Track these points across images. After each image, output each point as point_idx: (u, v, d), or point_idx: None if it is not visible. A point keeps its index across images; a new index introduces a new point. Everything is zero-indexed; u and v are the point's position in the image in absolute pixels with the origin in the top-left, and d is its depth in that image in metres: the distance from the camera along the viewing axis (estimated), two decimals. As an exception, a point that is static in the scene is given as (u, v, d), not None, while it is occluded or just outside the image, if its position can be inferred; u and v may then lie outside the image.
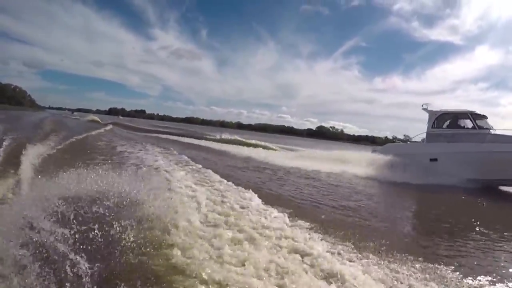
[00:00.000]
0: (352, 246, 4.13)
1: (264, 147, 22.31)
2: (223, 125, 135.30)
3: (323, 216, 5.65)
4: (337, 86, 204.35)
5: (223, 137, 25.98)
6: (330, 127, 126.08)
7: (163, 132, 30.71)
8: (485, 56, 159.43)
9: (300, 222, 4.93)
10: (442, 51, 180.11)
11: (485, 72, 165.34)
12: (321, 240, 4.19)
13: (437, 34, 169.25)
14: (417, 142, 15.06)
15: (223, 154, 16.01)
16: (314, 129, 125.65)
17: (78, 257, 2.67)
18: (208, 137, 27.30)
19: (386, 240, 4.47)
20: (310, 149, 18.29)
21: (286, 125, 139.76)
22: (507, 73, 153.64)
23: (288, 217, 5.04)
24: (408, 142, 15.99)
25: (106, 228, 3.25)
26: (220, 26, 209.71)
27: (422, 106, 14.44)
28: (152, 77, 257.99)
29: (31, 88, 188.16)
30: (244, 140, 24.39)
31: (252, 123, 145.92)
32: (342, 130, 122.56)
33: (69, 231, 2.91)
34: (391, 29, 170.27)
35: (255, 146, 22.14)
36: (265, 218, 4.76)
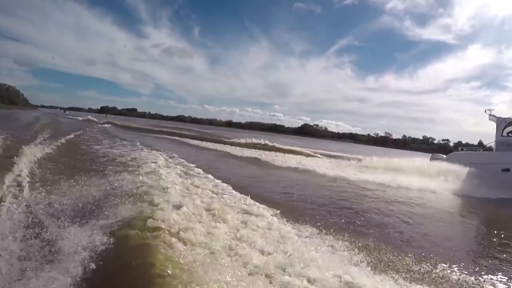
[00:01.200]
0: None
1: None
2: (211, 123, 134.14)
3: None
4: (330, 84, 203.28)
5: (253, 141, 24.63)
6: (314, 124, 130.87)
7: (172, 133, 29.04)
8: (477, 55, 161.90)
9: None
10: (434, 50, 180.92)
11: (477, 71, 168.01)
12: None
13: (430, 33, 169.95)
14: (485, 151, 14.30)
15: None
16: (299, 126, 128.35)
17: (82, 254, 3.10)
18: (230, 140, 25.90)
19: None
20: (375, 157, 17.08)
21: (279, 123, 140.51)
22: (499, 72, 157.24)
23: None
24: (477, 151, 15.25)
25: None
26: (213, 24, 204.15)
27: (486, 111, 13.67)
28: (144, 75, 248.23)
29: (22, 87, 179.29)
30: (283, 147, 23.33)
31: (244, 121, 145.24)
32: (326, 128, 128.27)
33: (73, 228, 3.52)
34: (384, 28, 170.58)
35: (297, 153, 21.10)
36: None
